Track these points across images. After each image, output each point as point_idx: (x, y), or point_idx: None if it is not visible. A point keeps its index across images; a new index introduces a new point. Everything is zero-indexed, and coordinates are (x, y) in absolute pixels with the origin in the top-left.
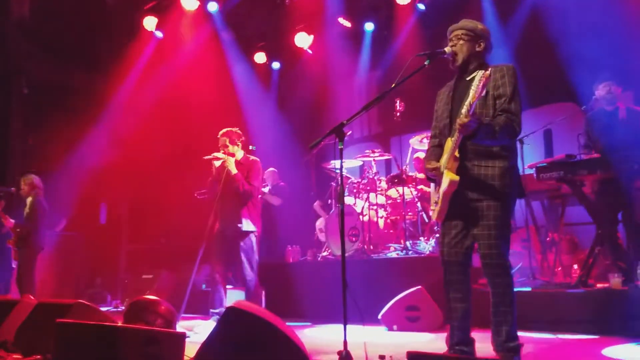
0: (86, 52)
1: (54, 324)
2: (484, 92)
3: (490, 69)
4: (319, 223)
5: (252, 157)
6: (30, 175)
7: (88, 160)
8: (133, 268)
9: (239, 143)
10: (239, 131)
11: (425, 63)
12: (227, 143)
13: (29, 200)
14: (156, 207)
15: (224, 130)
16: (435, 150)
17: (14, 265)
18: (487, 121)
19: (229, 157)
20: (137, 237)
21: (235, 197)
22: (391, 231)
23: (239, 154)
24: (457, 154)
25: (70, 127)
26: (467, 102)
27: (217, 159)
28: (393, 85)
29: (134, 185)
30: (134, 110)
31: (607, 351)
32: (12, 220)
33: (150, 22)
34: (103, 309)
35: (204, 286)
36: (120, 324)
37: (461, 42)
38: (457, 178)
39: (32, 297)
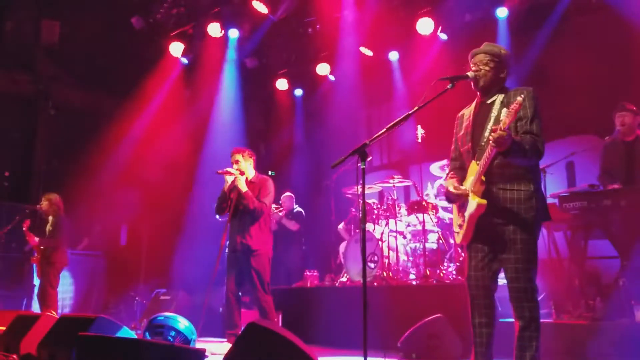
0: (112, 77)
1: (75, 337)
2: (514, 118)
3: (524, 93)
4: (343, 247)
5: (262, 176)
6: (52, 195)
7: (110, 182)
8: (151, 289)
9: (251, 161)
10: (249, 150)
11: (448, 87)
12: (239, 159)
13: (50, 218)
14: (175, 228)
15: (236, 147)
16: (457, 173)
17: (35, 282)
18: (518, 139)
19: (239, 176)
20: (156, 258)
21: (245, 215)
22: (411, 258)
23: (251, 172)
24: (483, 177)
25: (94, 149)
26: (502, 120)
27: (230, 173)
28: (416, 107)
29: (155, 207)
30: (157, 133)
31: None
32: (37, 238)
33: (176, 48)
34: None
35: (220, 309)
36: (141, 338)
37: (486, 67)
38: (484, 202)
39: (53, 313)
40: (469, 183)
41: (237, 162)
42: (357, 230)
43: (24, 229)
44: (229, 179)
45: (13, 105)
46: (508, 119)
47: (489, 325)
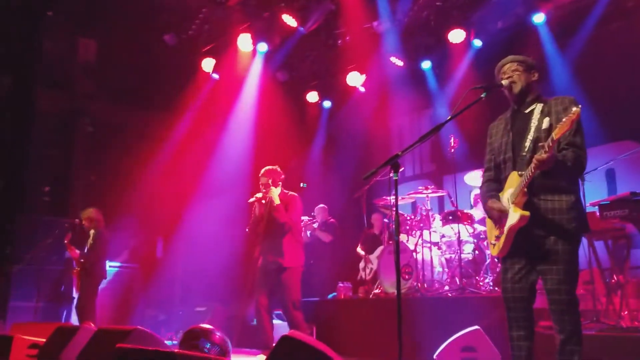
0: (147, 93)
1: (113, 349)
2: (571, 127)
3: (580, 106)
4: (361, 264)
5: (290, 193)
6: (91, 209)
7: (146, 196)
8: (187, 301)
9: (279, 183)
10: (279, 169)
11: (482, 96)
12: (269, 183)
13: (92, 232)
14: (210, 241)
15: (265, 169)
16: (492, 185)
17: (74, 295)
18: (561, 158)
19: (272, 189)
20: (192, 270)
21: (276, 232)
22: (446, 269)
23: (277, 191)
24: (525, 189)
25: (130, 164)
26: (550, 137)
27: (259, 200)
28: (449, 117)
29: (190, 220)
30: (191, 148)
31: None
32: (77, 251)
33: (208, 64)
34: None
35: (255, 321)
36: (177, 350)
37: (517, 72)
38: (527, 214)
39: (92, 325)
40: (507, 194)
41: (267, 185)
42: (391, 242)
43: (65, 242)
44: (260, 195)
45: (52, 123)
46: (563, 129)
47: (527, 339)
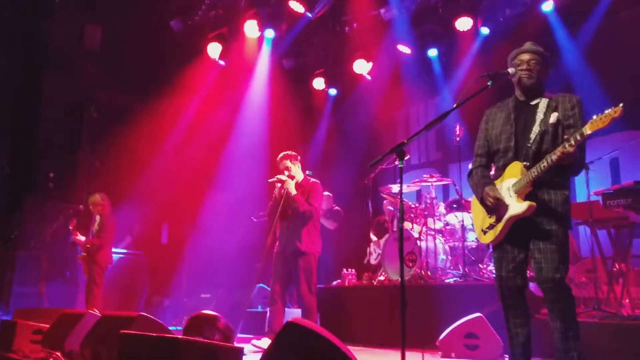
0: (153, 79)
1: (117, 335)
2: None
3: (621, 105)
4: (381, 245)
5: (312, 179)
6: (98, 195)
7: (151, 182)
8: (192, 288)
9: (299, 164)
10: (294, 154)
11: (489, 84)
12: (289, 165)
13: (97, 218)
14: (215, 228)
15: (283, 153)
16: (486, 172)
17: (79, 281)
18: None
19: (289, 179)
20: (197, 257)
21: (295, 217)
22: (449, 257)
23: (299, 175)
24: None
25: (136, 150)
26: (574, 136)
27: (281, 181)
28: (455, 105)
29: (195, 206)
30: (197, 134)
31: None
32: (83, 237)
33: (214, 50)
34: None
35: (259, 307)
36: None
37: (538, 67)
38: (534, 204)
39: (96, 311)
40: (508, 183)
41: (287, 168)
42: (396, 229)
43: (70, 228)
44: (283, 178)
45: (58, 109)
46: (597, 126)
47: (524, 325)
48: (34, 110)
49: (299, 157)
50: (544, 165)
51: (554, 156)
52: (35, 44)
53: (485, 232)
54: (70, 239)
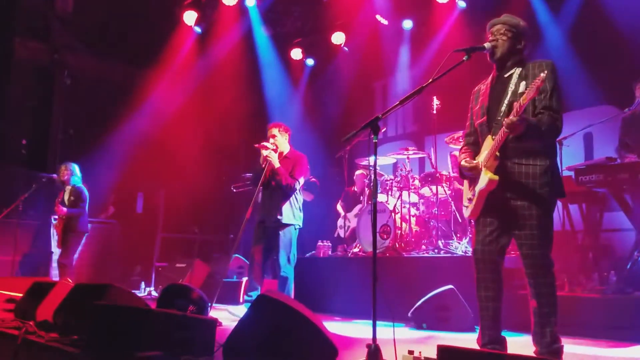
0: (126, 46)
1: (90, 305)
2: (536, 94)
3: (543, 66)
4: (340, 221)
5: (298, 152)
6: (70, 164)
7: (125, 151)
8: (167, 257)
9: (287, 136)
10: (284, 125)
11: (464, 58)
12: (276, 133)
13: (68, 187)
14: (191, 197)
15: (274, 122)
16: (471, 148)
17: (52, 250)
18: (534, 121)
19: (272, 152)
20: (172, 226)
21: (277, 189)
22: (423, 230)
23: (286, 147)
24: (497, 153)
25: (110, 118)
26: (518, 102)
27: (266, 148)
28: (430, 80)
29: (170, 175)
30: (171, 102)
31: None
32: (65, 209)
33: (190, 17)
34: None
35: (235, 277)
36: (154, 308)
37: (503, 37)
38: (496, 178)
39: (69, 280)
40: (482, 157)
41: (273, 136)
42: (370, 202)
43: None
44: (265, 152)
45: (29, 74)
46: (528, 95)
47: (495, 299)
48: (4, 75)
49: (289, 130)
50: (499, 138)
51: (502, 128)
52: (4, 6)
53: (467, 207)
54: (42, 207)
